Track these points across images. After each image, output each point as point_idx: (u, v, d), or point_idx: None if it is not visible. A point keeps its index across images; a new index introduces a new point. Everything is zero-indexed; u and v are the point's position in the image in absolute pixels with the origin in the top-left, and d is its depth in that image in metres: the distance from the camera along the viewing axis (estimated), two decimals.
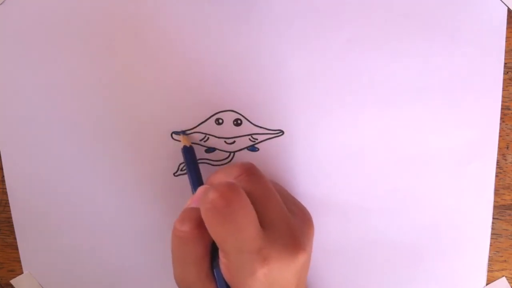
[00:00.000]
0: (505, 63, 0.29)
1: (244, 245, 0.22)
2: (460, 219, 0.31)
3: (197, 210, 0.24)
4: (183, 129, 0.30)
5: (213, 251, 0.24)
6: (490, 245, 0.32)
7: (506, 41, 0.29)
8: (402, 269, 0.32)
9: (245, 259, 0.22)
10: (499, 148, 0.30)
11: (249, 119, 0.30)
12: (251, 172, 0.25)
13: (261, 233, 0.23)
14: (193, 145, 0.30)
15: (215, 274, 0.24)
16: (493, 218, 0.31)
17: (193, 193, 0.27)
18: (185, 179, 0.31)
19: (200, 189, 0.26)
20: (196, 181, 0.28)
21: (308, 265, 0.25)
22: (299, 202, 0.28)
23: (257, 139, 0.30)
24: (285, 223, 0.24)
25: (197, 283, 0.24)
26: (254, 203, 0.23)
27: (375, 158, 0.31)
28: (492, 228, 0.31)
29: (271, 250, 0.23)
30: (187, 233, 0.23)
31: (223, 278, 0.24)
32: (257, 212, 0.23)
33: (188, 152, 0.29)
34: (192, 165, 0.29)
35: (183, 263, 0.25)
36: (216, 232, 0.22)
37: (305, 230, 0.25)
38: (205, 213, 0.22)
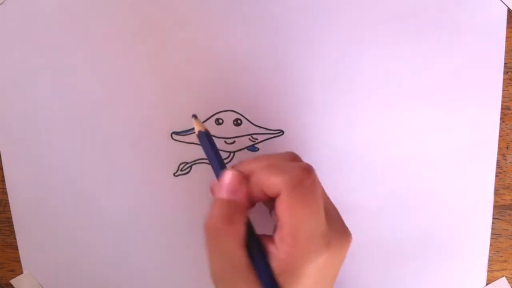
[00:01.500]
0: (505, 63, 0.29)
1: (316, 229, 0.22)
2: (460, 219, 0.31)
3: (228, 202, 0.23)
4: (183, 129, 0.30)
5: (250, 241, 0.23)
6: (490, 245, 0.32)
7: (506, 41, 0.29)
8: (402, 268, 0.32)
9: (314, 243, 0.22)
10: (499, 148, 0.30)
11: (249, 119, 0.30)
12: (299, 158, 0.25)
13: (325, 218, 0.23)
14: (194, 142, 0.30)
15: (256, 264, 0.23)
16: (493, 218, 0.31)
17: (217, 176, 0.25)
18: (185, 179, 0.31)
19: (230, 177, 0.24)
20: (219, 164, 0.25)
21: None
22: None
23: (257, 139, 0.30)
24: (335, 209, 0.25)
25: (235, 274, 0.23)
26: None
27: (375, 158, 0.31)
28: (492, 228, 0.31)
29: (331, 236, 0.23)
30: (220, 226, 0.23)
31: (267, 268, 0.23)
32: None
33: (205, 137, 0.26)
34: (211, 149, 0.26)
35: (220, 257, 0.23)
36: (296, 213, 0.22)
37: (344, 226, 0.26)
38: (291, 191, 0.22)
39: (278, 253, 0.23)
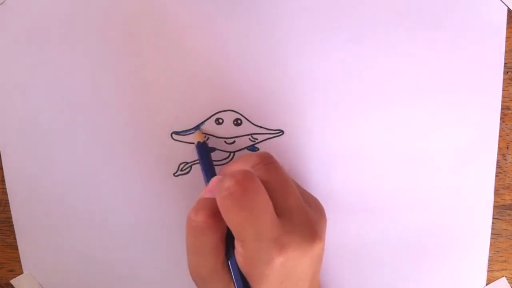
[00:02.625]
0: (505, 63, 0.29)
1: (261, 232, 0.22)
2: (460, 219, 0.31)
3: (211, 200, 0.24)
4: (183, 129, 0.30)
5: (227, 242, 0.24)
6: (490, 245, 0.32)
7: (506, 41, 0.29)
8: (402, 269, 0.32)
9: (262, 247, 0.22)
10: (499, 148, 0.30)
11: (249, 119, 0.30)
12: (268, 161, 0.25)
13: (277, 221, 0.23)
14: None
15: (229, 264, 0.24)
16: (493, 218, 0.31)
17: (206, 184, 0.27)
18: (185, 179, 0.31)
19: (214, 179, 0.26)
20: (210, 173, 0.28)
21: (322, 255, 0.25)
22: (310, 193, 0.28)
23: (257, 139, 0.30)
24: (301, 212, 0.24)
25: (212, 273, 0.24)
26: (270, 192, 0.23)
27: (375, 158, 0.31)
28: (492, 228, 0.31)
29: (289, 238, 0.22)
30: (201, 223, 0.23)
31: (238, 268, 0.24)
32: (274, 201, 0.23)
33: (202, 147, 0.29)
34: (205, 159, 0.29)
35: (198, 254, 0.24)
36: (232, 219, 0.22)
37: (319, 219, 0.25)
38: (221, 201, 0.22)
39: (237, 255, 0.23)
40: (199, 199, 0.25)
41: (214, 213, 0.23)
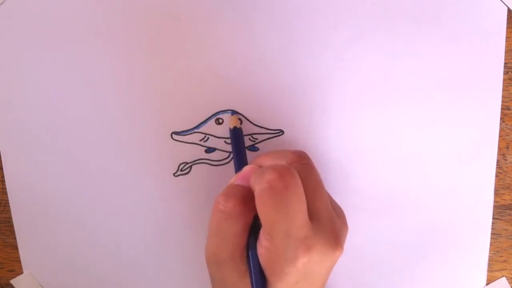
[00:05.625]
0: (505, 63, 0.29)
1: (292, 230, 0.22)
2: (460, 219, 0.31)
3: (243, 188, 0.24)
4: (183, 129, 0.30)
5: (250, 232, 0.24)
6: (490, 245, 0.32)
7: (506, 41, 0.29)
8: (402, 269, 0.32)
9: (290, 245, 0.22)
10: (499, 148, 0.30)
11: (249, 118, 0.30)
12: (304, 160, 0.25)
13: (308, 222, 0.23)
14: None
15: (250, 255, 0.24)
16: (493, 218, 0.31)
17: (236, 171, 0.27)
18: (185, 179, 0.31)
19: (248, 167, 0.26)
20: (242, 160, 0.28)
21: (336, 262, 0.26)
22: (335, 200, 0.28)
23: (257, 139, 0.30)
24: (329, 217, 0.24)
25: (229, 260, 0.24)
26: (304, 191, 0.23)
27: (374, 158, 0.31)
28: (492, 228, 0.31)
29: (315, 241, 0.23)
30: (230, 209, 0.23)
31: (258, 261, 0.23)
32: (307, 201, 0.23)
33: (237, 132, 0.29)
34: (239, 145, 0.29)
35: (219, 237, 0.24)
36: (267, 213, 0.22)
37: (343, 227, 0.25)
38: (260, 192, 0.22)
39: (260, 248, 0.23)
40: (229, 184, 0.25)
41: (244, 201, 0.23)
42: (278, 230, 0.22)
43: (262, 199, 0.22)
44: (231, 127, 0.29)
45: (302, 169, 0.25)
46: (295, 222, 0.22)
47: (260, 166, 0.25)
